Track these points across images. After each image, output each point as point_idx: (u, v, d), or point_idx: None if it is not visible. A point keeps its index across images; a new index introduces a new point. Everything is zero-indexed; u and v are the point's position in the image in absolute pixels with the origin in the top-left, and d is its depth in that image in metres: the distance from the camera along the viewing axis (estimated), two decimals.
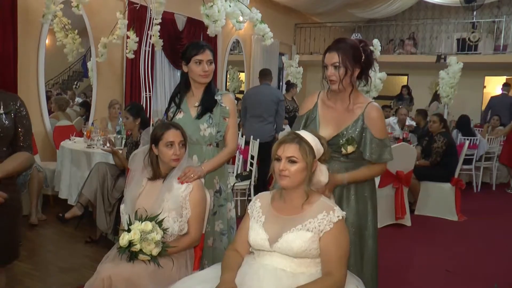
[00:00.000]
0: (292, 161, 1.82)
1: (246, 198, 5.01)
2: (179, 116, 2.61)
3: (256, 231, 1.89)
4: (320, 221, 1.80)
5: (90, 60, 6.40)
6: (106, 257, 2.26)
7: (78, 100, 7.00)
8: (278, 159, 1.85)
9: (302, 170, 1.82)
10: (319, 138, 1.93)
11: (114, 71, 6.52)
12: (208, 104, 2.58)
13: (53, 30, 5.86)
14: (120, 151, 4.07)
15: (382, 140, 2.20)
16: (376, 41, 5.65)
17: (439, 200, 5.31)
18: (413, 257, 4.04)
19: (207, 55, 2.53)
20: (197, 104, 2.60)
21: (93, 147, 4.53)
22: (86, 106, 6.59)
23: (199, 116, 2.56)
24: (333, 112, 2.26)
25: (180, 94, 2.66)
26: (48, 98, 5.79)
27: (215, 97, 2.61)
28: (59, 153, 4.75)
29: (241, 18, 4.84)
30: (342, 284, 1.78)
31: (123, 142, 4.39)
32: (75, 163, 4.49)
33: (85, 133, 4.88)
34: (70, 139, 4.96)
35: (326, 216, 1.80)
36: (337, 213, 1.81)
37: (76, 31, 6.05)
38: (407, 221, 4.94)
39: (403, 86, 10.65)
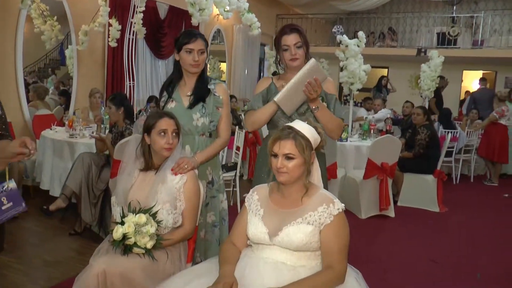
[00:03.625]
0: (289, 157, 1.79)
1: (231, 189, 4.97)
2: (171, 105, 2.54)
3: (255, 225, 1.86)
4: (321, 214, 1.78)
5: (68, 47, 6.23)
6: (98, 250, 2.19)
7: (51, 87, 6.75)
8: (275, 156, 1.82)
9: (300, 165, 1.80)
10: (315, 127, 1.91)
11: (95, 60, 6.36)
12: (200, 94, 2.52)
13: (30, 17, 5.66)
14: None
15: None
16: (361, 34, 5.65)
17: (421, 191, 5.37)
18: (397, 247, 4.09)
19: (198, 44, 2.47)
20: (189, 93, 2.53)
21: (76, 137, 4.41)
22: (65, 95, 6.42)
23: (192, 105, 2.50)
24: None
25: (173, 83, 2.59)
26: (25, 86, 5.61)
27: (208, 86, 2.55)
28: (40, 143, 4.61)
29: (228, 7, 4.77)
30: (343, 277, 1.77)
31: (106, 131, 4.29)
32: (57, 153, 4.36)
33: (66, 122, 4.74)
34: (51, 129, 4.82)
35: (326, 208, 1.79)
36: (337, 206, 1.80)
37: (55, 17, 5.87)
38: (391, 212, 5.00)
39: (382, 77, 10.42)
